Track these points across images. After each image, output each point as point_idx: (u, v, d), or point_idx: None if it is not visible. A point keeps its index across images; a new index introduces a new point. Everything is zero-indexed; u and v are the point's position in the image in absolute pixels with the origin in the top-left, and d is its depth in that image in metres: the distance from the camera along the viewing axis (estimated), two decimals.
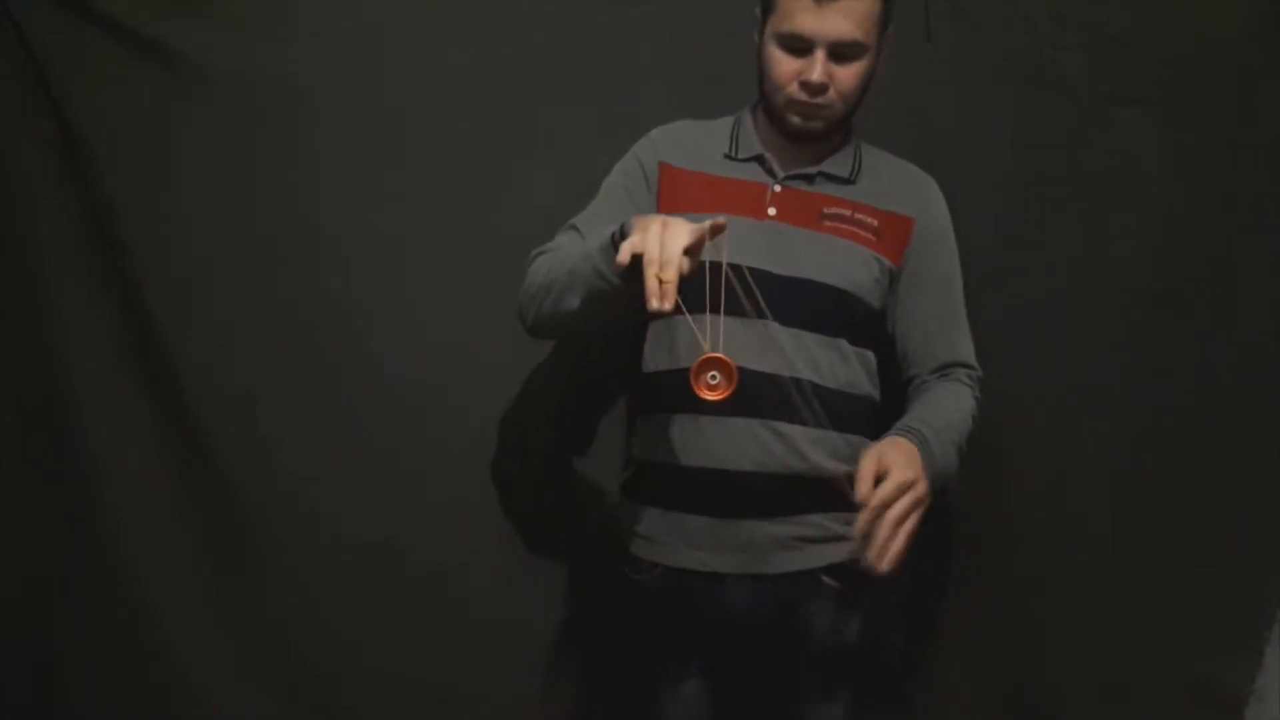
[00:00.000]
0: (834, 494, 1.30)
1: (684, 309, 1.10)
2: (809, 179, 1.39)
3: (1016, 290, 1.63)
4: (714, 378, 1.17)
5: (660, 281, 1.08)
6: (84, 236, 1.62)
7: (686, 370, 1.28)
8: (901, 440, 1.23)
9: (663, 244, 1.10)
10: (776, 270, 1.35)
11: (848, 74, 1.30)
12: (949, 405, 1.36)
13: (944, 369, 1.41)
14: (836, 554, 1.35)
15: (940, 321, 1.42)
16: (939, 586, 1.66)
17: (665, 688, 1.41)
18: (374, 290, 1.66)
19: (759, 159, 1.40)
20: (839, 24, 1.26)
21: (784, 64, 1.31)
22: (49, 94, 1.58)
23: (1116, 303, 1.64)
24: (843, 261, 1.36)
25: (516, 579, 1.67)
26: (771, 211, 1.38)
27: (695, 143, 1.44)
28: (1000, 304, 1.61)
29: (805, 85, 1.30)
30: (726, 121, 1.45)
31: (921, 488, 1.15)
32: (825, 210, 1.38)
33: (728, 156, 1.42)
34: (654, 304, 1.08)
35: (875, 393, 1.42)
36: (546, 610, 1.67)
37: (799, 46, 1.29)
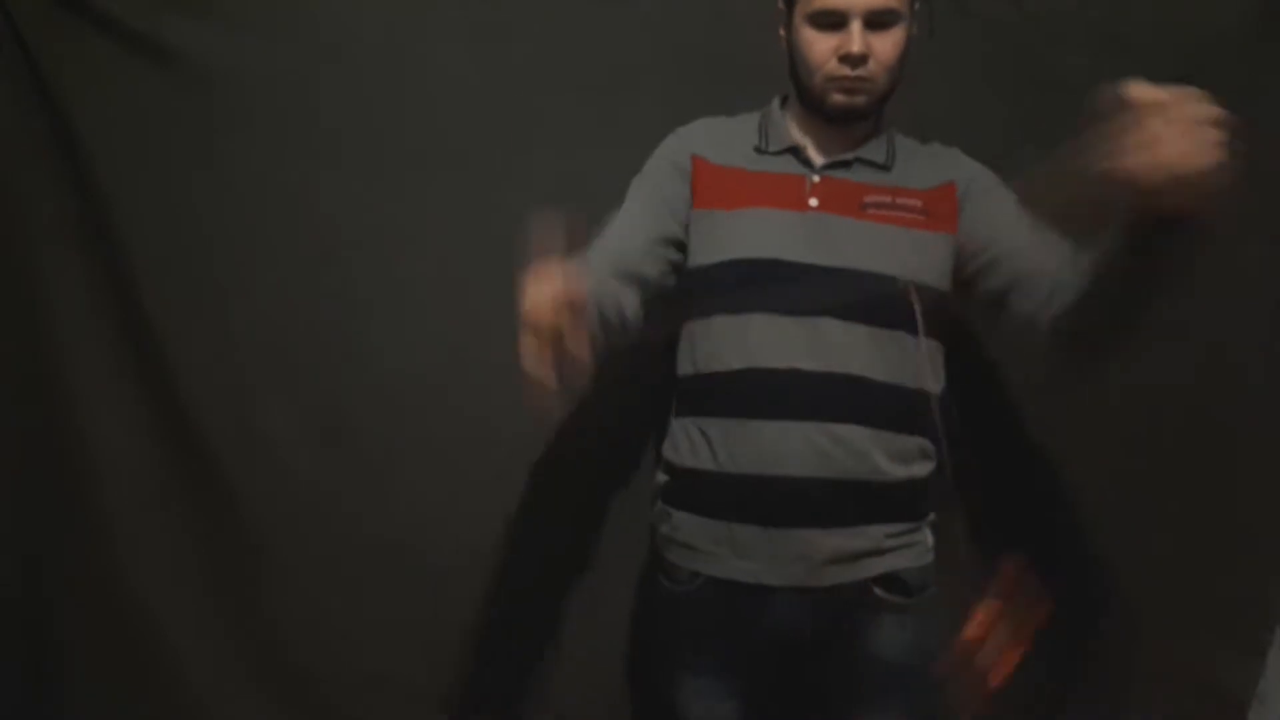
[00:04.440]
0: (889, 502, 1.29)
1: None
2: (847, 165, 1.35)
3: None
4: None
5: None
6: (83, 236, 1.63)
7: (740, 372, 1.29)
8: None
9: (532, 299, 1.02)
10: (826, 263, 1.30)
11: (885, 43, 1.28)
12: None
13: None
14: (888, 564, 1.32)
15: (1034, 229, 1.32)
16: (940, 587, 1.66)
17: (700, 706, 1.37)
18: (374, 289, 1.66)
19: (793, 150, 1.36)
20: None
21: (820, 42, 1.28)
22: (46, 93, 1.59)
23: None
24: (891, 248, 1.32)
25: (519, 581, 1.67)
26: (813, 202, 1.34)
27: (722, 138, 1.40)
28: None
29: (846, 58, 1.27)
30: (751, 117, 1.42)
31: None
32: (867, 199, 1.34)
33: (758, 150, 1.38)
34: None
35: (938, 386, 1.35)
36: (550, 612, 1.67)
37: (833, 21, 1.26)
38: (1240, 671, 1.67)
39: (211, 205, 1.64)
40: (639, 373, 1.56)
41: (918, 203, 1.34)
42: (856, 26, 1.26)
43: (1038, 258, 1.28)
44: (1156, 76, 1.59)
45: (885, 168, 1.36)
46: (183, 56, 1.60)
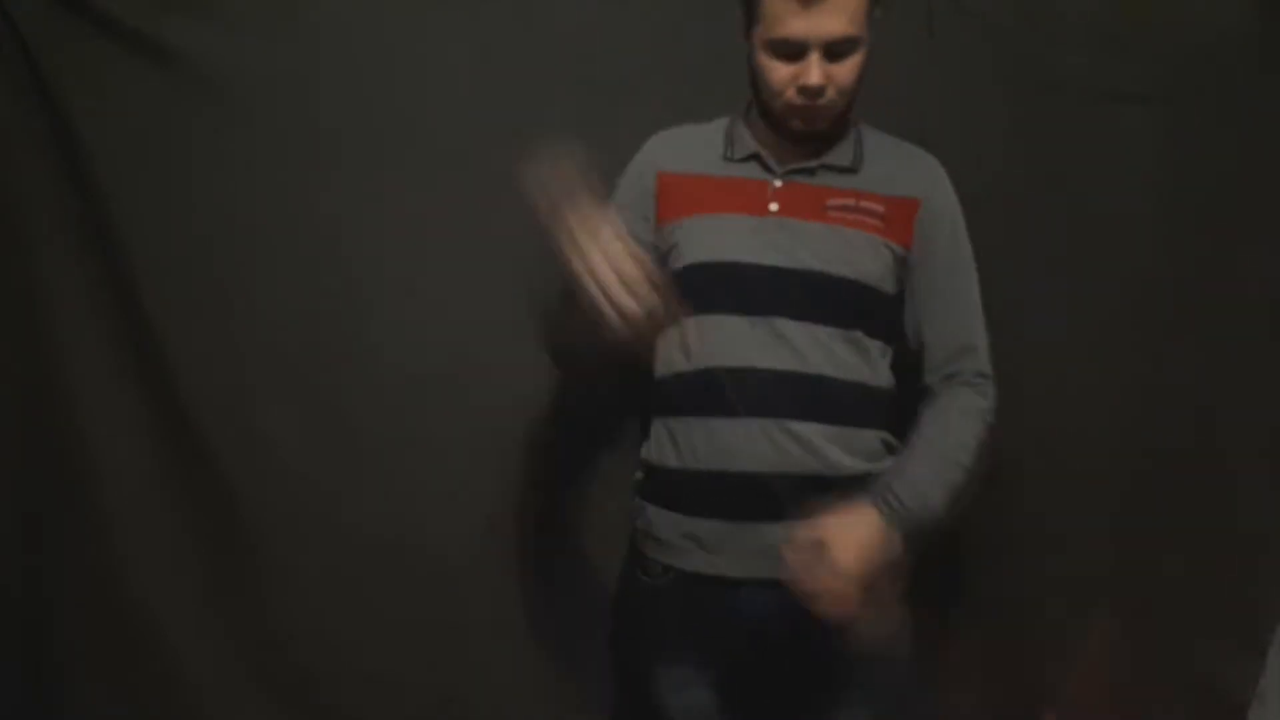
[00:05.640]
0: (849, 494, 1.29)
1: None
2: (810, 172, 1.37)
3: (1016, 290, 1.62)
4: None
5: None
6: (83, 236, 1.63)
7: (697, 372, 1.31)
8: (864, 520, 1.24)
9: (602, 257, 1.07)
10: (784, 264, 1.32)
11: (844, 70, 1.27)
12: (942, 442, 1.33)
13: (953, 370, 1.37)
14: None
15: (952, 307, 1.39)
16: (941, 587, 1.66)
17: (674, 695, 1.39)
18: (374, 289, 1.66)
19: (756, 157, 1.38)
20: (830, 23, 1.23)
21: (778, 70, 1.28)
22: (46, 93, 1.59)
23: (1118, 302, 1.63)
24: (851, 251, 1.34)
25: (519, 579, 1.67)
26: (773, 207, 1.35)
27: (691, 146, 1.43)
28: (1000, 303, 1.60)
29: (804, 90, 1.27)
30: (721, 123, 1.44)
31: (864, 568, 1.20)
32: (830, 202, 1.35)
33: (725, 158, 1.40)
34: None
35: (891, 384, 1.39)
36: (549, 612, 1.67)
37: (791, 51, 1.26)
38: (1240, 671, 1.67)
39: (211, 205, 1.64)
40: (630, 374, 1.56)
41: (880, 208, 1.35)
42: (815, 58, 1.25)
43: (931, 334, 1.37)
44: (1157, 76, 1.61)
45: (851, 170, 1.37)
46: (183, 57, 1.60)
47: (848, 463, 1.32)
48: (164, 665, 1.65)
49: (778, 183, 1.37)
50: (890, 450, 1.38)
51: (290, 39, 1.63)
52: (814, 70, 1.25)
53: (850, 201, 1.35)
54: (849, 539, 1.21)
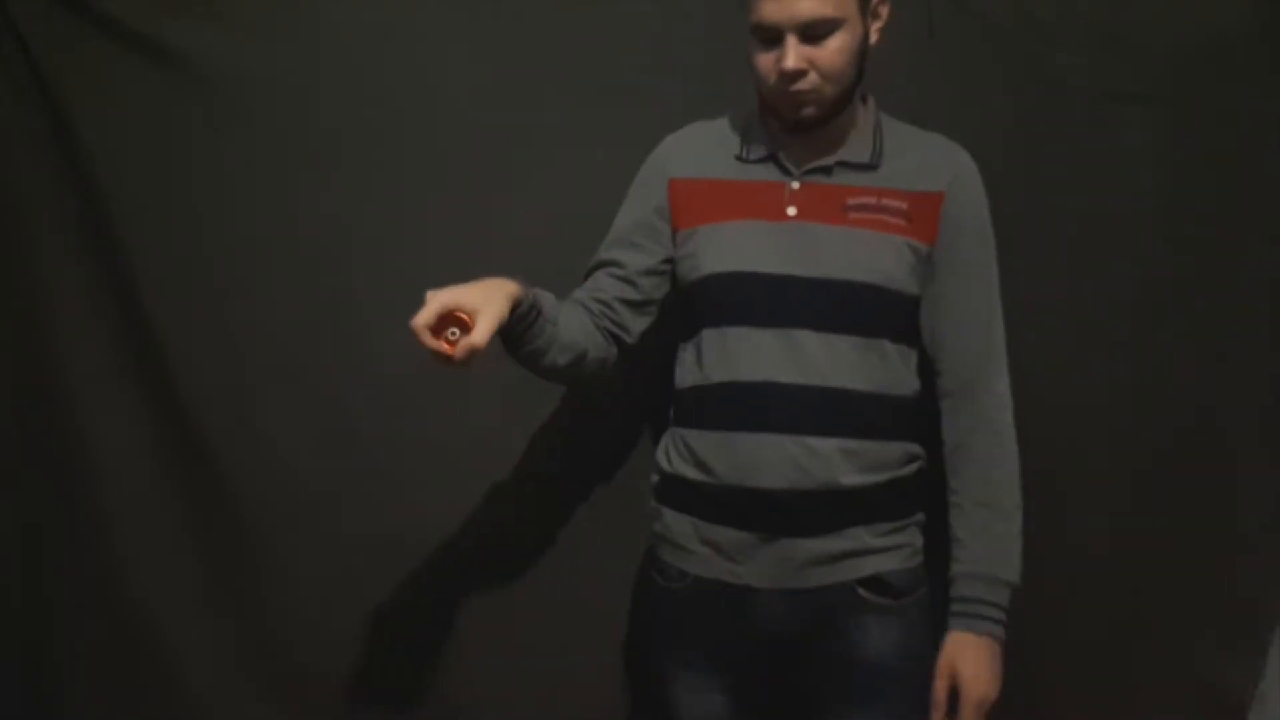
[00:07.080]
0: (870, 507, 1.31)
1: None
2: (827, 170, 1.34)
3: (1016, 289, 1.62)
4: (454, 333, 1.20)
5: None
6: (83, 237, 1.63)
7: (716, 385, 1.31)
8: (969, 643, 1.29)
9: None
10: (803, 273, 1.31)
11: (825, 53, 1.25)
12: (997, 502, 1.33)
13: (971, 378, 1.35)
14: (873, 566, 1.32)
15: (972, 309, 1.36)
16: (940, 587, 1.65)
17: (688, 700, 1.38)
18: (374, 290, 1.65)
19: (772, 157, 1.36)
20: (800, 4, 1.22)
21: (762, 57, 1.27)
22: (46, 93, 1.59)
23: (1118, 302, 1.63)
24: (873, 255, 1.31)
25: (520, 580, 1.66)
26: (791, 211, 1.33)
27: (705, 148, 1.41)
28: (1000, 303, 1.60)
29: (782, 75, 1.26)
30: (737, 120, 1.42)
31: (994, 695, 1.29)
32: (849, 202, 1.32)
33: (740, 159, 1.38)
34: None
35: (916, 390, 1.38)
36: (552, 613, 1.66)
37: (770, 36, 1.25)
38: (1240, 671, 1.66)
39: (211, 205, 1.64)
40: (642, 379, 1.56)
41: (903, 205, 1.33)
42: (791, 41, 1.24)
43: (951, 344, 1.35)
44: (1157, 76, 1.61)
45: (871, 166, 1.34)
46: (183, 57, 1.60)
47: (868, 477, 1.31)
48: (164, 665, 1.65)
49: (795, 185, 1.34)
50: (912, 460, 1.37)
51: (290, 39, 1.63)
52: (789, 54, 1.24)
53: (871, 200, 1.32)
54: (974, 673, 1.28)
